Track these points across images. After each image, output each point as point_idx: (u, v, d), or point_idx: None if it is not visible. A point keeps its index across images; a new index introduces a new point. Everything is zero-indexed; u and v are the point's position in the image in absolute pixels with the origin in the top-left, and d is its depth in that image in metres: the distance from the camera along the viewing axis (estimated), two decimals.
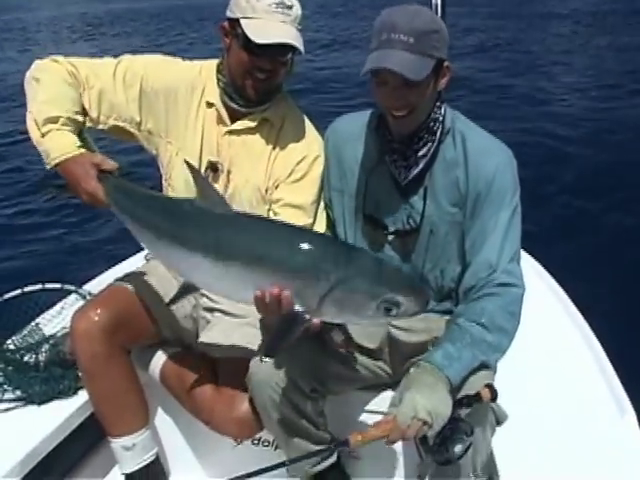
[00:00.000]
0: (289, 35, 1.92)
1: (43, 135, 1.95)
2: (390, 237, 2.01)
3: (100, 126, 2.10)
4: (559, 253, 4.62)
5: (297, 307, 1.56)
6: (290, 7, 1.95)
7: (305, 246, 1.59)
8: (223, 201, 1.74)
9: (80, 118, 2.06)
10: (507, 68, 13.53)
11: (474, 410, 1.66)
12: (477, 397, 1.65)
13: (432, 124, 1.89)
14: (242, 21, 1.92)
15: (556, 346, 2.43)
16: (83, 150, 1.96)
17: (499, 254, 1.82)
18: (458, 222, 1.91)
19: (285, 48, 1.94)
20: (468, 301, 1.84)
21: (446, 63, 1.82)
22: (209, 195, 1.72)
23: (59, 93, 2.01)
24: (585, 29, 18.99)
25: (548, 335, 2.48)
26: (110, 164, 1.94)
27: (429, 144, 1.90)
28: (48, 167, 1.95)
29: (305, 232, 1.76)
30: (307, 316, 1.57)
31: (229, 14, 1.99)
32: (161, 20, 33.39)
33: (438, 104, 1.89)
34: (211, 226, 1.70)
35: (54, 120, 1.96)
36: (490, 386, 1.67)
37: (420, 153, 1.90)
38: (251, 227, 1.70)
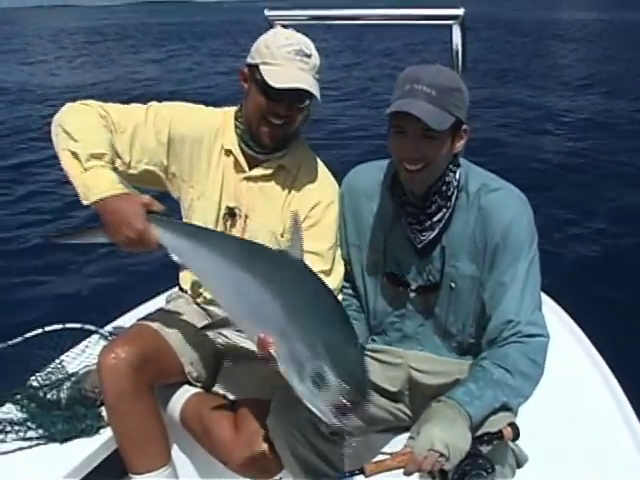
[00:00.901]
0: (305, 81, 1.99)
1: (86, 170, 1.93)
2: (412, 294, 2.04)
3: (130, 171, 2.13)
4: (580, 294, 4.62)
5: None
6: (309, 56, 2.03)
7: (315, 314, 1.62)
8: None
9: (117, 161, 2.09)
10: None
11: (494, 448, 1.67)
12: (499, 435, 1.66)
13: (445, 188, 1.92)
14: (261, 67, 2.00)
15: (577, 390, 2.43)
16: (128, 190, 1.97)
17: (520, 306, 1.84)
18: (477, 277, 1.94)
19: (302, 94, 2.00)
20: (492, 348, 1.85)
21: (464, 126, 1.87)
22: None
23: (99, 134, 2.03)
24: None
25: (569, 379, 2.47)
26: (158, 205, 1.96)
27: (444, 210, 1.93)
28: (86, 202, 1.93)
29: (326, 301, 1.70)
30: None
31: (249, 60, 2.07)
32: (170, 36, 34.10)
33: (452, 167, 1.92)
34: (261, 262, 1.76)
35: (99, 157, 1.97)
36: (513, 424, 1.68)
37: (435, 219, 1.94)
38: (289, 273, 1.72)
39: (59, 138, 2.02)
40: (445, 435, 1.58)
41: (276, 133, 2.08)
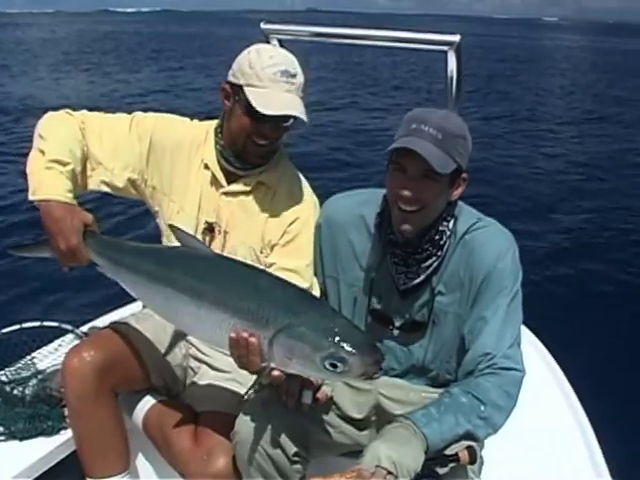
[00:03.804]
0: (293, 105, 1.97)
1: (45, 169, 1.94)
2: (395, 332, 2.01)
3: (115, 181, 2.14)
4: (559, 327, 4.61)
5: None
6: (294, 75, 2.00)
7: (263, 290, 1.66)
8: (203, 245, 1.89)
9: (99, 168, 2.11)
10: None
11: (452, 472, 1.64)
12: (454, 457, 1.63)
13: (438, 237, 1.89)
14: (246, 89, 1.97)
15: (547, 427, 2.39)
16: (74, 204, 1.97)
17: (498, 339, 1.82)
18: (459, 314, 1.92)
19: (287, 116, 1.99)
20: (466, 378, 1.83)
21: (464, 175, 1.85)
22: (190, 242, 1.84)
23: (70, 143, 2.04)
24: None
25: (541, 416, 2.44)
26: (96, 226, 1.98)
27: (434, 258, 1.90)
28: (32, 198, 1.93)
29: (271, 278, 1.79)
30: (264, 363, 1.61)
31: (232, 79, 2.04)
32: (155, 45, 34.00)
33: (447, 216, 1.89)
34: (189, 268, 1.80)
35: (63, 164, 1.98)
36: (470, 448, 1.65)
37: (423, 265, 1.91)
38: (224, 270, 1.78)
39: (34, 142, 2.04)
40: (392, 452, 1.56)
41: (263, 150, 2.07)
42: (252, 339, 1.58)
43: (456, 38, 2.26)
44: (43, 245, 2.00)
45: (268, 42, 2.57)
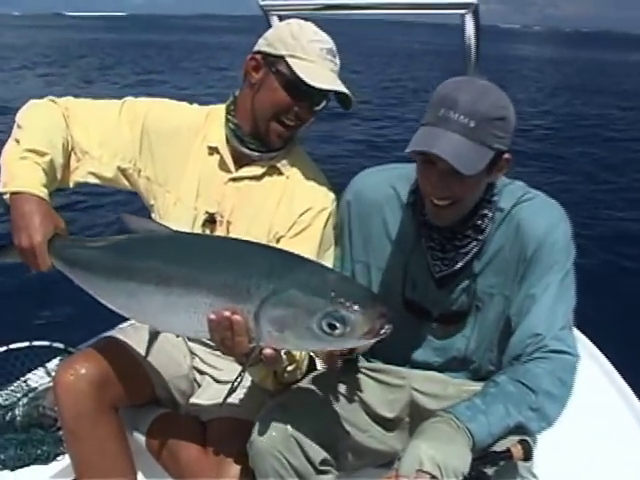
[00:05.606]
0: (339, 84, 1.84)
1: (20, 159, 1.79)
2: (433, 324, 1.83)
3: (103, 170, 1.97)
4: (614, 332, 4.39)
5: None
6: (335, 56, 1.89)
7: (237, 258, 1.48)
8: (162, 226, 1.67)
9: (85, 157, 1.95)
10: None
11: (503, 471, 1.45)
12: (506, 454, 1.44)
13: (480, 222, 1.71)
14: (290, 60, 1.81)
15: (604, 427, 2.23)
16: (48, 201, 1.79)
17: (549, 320, 1.63)
18: (507, 295, 1.74)
19: (323, 97, 1.86)
20: (513, 365, 1.64)
21: (506, 155, 1.62)
22: (147, 226, 1.67)
23: (50, 133, 1.89)
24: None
25: (593, 408, 2.27)
26: (65, 231, 1.80)
27: (474, 243, 1.72)
28: (2, 190, 1.77)
29: (245, 244, 1.60)
30: (252, 343, 1.41)
31: (268, 49, 1.86)
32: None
33: (489, 197, 1.71)
34: (150, 254, 1.61)
35: (41, 154, 1.81)
36: (524, 442, 1.46)
37: (462, 250, 1.73)
38: (190, 245, 1.62)
39: (13, 132, 1.90)
40: (436, 453, 1.37)
41: (286, 133, 1.90)
42: (235, 317, 1.38)
43: (474, 0, 2.09)
44: (9, 249, 1.80)
45: (268, 20, 2.40)
